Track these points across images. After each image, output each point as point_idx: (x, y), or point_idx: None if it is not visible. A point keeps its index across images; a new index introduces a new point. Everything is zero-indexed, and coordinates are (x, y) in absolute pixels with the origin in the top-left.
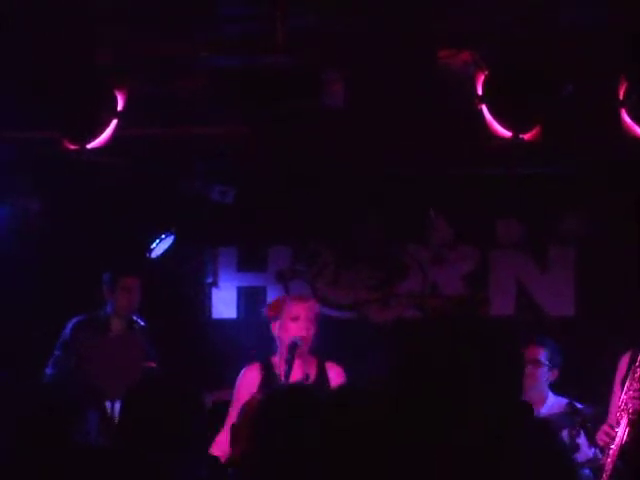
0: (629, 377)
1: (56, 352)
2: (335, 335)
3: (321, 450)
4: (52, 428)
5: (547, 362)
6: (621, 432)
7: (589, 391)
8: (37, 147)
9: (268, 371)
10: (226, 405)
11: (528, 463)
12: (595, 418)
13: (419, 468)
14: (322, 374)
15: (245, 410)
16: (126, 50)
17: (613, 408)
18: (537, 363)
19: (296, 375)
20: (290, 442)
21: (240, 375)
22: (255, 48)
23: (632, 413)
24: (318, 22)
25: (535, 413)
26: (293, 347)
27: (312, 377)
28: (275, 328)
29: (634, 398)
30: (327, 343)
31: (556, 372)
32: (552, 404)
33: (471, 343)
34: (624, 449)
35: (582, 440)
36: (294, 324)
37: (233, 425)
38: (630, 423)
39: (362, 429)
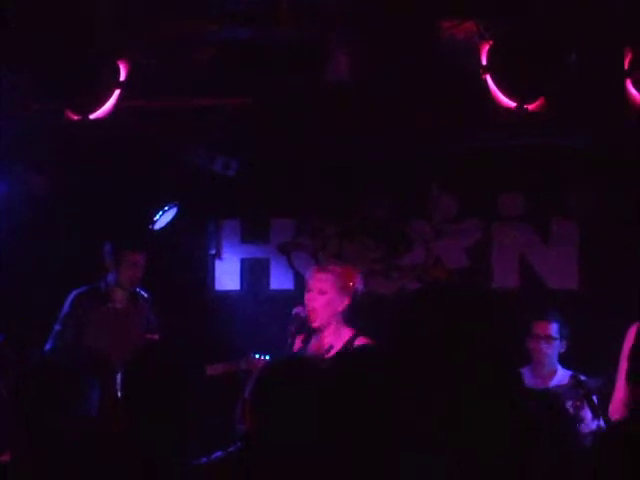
0: None
1: (56, 326)
2: None
3: (316, 417)
4: (50, 397)
5: (558, 336)
6: None
7: (592, 363)
8: (41, 120)
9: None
10: (228, 378)
11: (530, 430)
12: (599, 390)
13: (416, 432)
14: (347, 347)
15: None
16: (131, 22)
17: (619, 382)
18: (549, 339)
19: (318, 346)
20: (286, 411)
21: None
22: (260, 21)
23: None
24: None
25: (546, 386)
26: (295, 319)
27: (335, 349)
28: None
29: None
30: None
31: (565, 343)
32: (561, 377)
33: (467, 312)
34: None
35: (586, 412)
36: (307, 294)
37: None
38: None
39: (357, 393)
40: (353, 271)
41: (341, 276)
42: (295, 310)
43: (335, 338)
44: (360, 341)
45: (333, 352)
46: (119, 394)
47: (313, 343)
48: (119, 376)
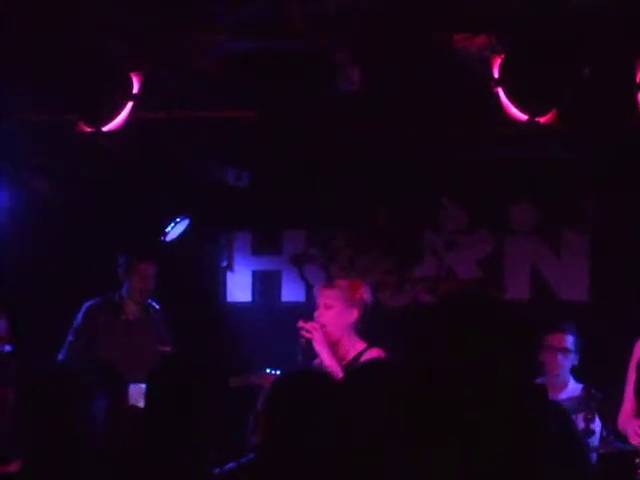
0: None
1: (69, 337)
2: None
3: (326, 430)
4: (53, 410)
5: (574, 348)
6: None
7: (603, 376)
8: (52, 130)
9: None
10: (241, 390)
11: (542, 441)
12: (609, 403)
13: (428, 444)
14: (357, 359)
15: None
16: (142, 33)
17: (628, 393)
18: (565, 351)
19: (329, 359)
20: (297, 424)
21: None
22: (271, 32)
23: None
24: (334, 6)
25: (556, 398)
26: (306, 341)
27: (345, 361)
28: None
29: None
30: None
31: (578, 356)
32: (572, 389)
33: (486, 326)
34: None
35: (597, 425)
36: (316, 311)
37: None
38: None
39: (371, 408)
40: (360, 283)
41: (347, 289)
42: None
43: (347, 350)
44: (372, 353)
45: (344, 364)
46: (129, 405)
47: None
48: (132, 387)
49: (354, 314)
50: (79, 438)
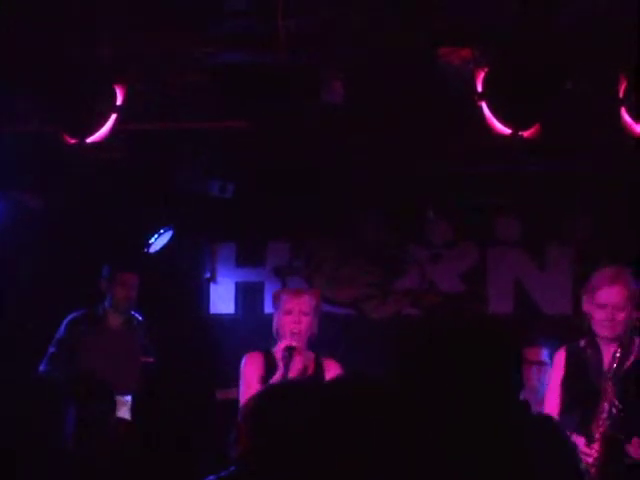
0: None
1: (51, 349)
2: (333, 331)
3: (313, 442)
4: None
5: (549, 361)
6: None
7: None
8: (37, 142)
9: (270, 361)
10: (227, 404)
11: (530, 459)
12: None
13: (414, 460)
14: (319, 369)
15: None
16: (127, 44)
17: (551, 409)
18: (541, 364)
19: (295, 367)
20: (284, 436)
21: (243, 364)
22: (256, 45)
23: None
24: (318, 19)
25: (539, 411)
26: (288, 351)
27: (310, 370)
28: (274, 320)
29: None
30: (325, 339)
31: None
32: None
33: (467, 341)
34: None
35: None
36: (288, 317)
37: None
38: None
39: (356, 421)
40: (319, 293)
41: (316, 299)
42: (287, 343)
43: (306, 359)
44: (328, 362)
45: (309, 373)
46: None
47: (292, 365)
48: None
49: (316, 324)
50: (52, 442)
